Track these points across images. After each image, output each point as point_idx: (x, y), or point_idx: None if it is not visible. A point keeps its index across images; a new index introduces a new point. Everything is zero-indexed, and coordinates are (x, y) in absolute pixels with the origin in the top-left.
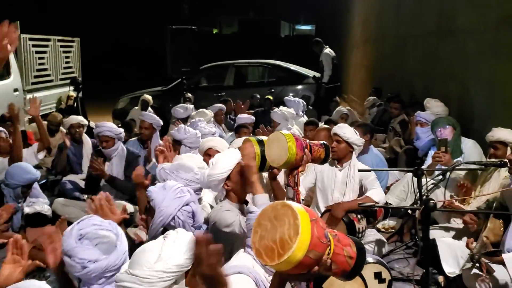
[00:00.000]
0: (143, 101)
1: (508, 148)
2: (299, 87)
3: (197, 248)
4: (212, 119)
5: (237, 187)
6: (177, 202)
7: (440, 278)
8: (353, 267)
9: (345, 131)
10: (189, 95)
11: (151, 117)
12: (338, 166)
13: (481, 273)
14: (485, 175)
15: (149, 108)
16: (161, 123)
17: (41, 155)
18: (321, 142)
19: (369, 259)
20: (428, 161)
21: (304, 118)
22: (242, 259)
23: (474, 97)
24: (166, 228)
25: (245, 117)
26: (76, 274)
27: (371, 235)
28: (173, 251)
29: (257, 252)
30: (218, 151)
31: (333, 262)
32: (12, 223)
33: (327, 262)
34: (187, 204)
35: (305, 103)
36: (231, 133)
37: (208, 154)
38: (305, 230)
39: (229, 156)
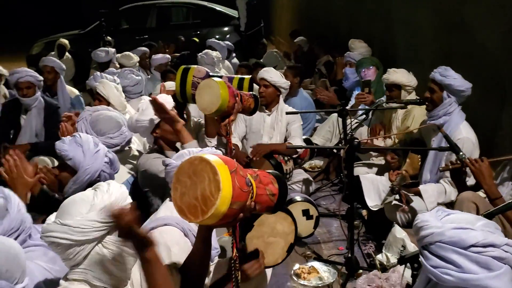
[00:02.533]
0: (60, 46)
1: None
2: (225, 28)
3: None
4: (137, 64)
5: (166, 134)
6: (100, 156)
7: (364, 212)
8: (276, 202)
9: (272, 75)
10: (109, 38)
11: (52, 60)
12: (267, 111)
13: (401, 204)
14: (400, 114)
15: (67, 53)
16: (63, 66)
17: None
18: (251, 92)
19: (297, 197)
20: (352, 101)
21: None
22: (170, 209)
23: (397, 37)
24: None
25: (160, 57)
26: None
27: (298, 175)
28: (106, 200)
29: (180, 210)
30: None
31: (257, 203)
32: None
33: (251, 206)
34: (106, 155)
35: (232, 46)
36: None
37: None
38: (226, 184)
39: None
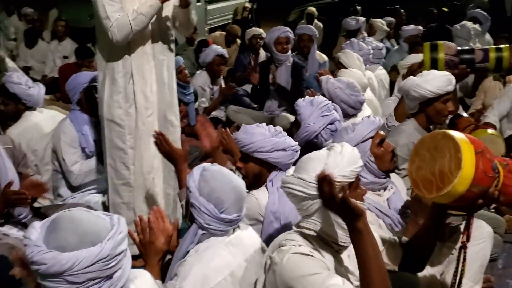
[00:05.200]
0: (308, 14)
1: None
2: None
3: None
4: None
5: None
6: (323, 120)
7: None
8: None
9: None
10: (359, 7)
11: (309, 28)
12: None
13: None
14: None
15: (316, 21)
16: (317, 33)
17: None
18: None
19: None
20: None
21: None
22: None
23: None
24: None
25: (411, 29)
26: None
27: None
28: (338, 161)
29: (414, 183)
30: None
31: (502, 194)
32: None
33: (494, 194)
34: (332, 123)
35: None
36: None
37: None
38: (468, 163)
39: None
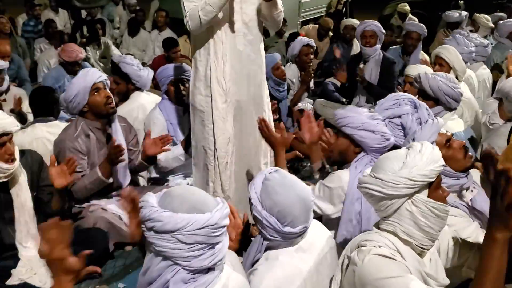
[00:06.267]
0: (400, 13)
1: None
2: None
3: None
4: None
5: None
6: (387, 113)
7: None
8: None
9: None
10: (461, 1)
11: (413, 24)
12: None
13: None
14: None
15: (410, 16)
16: (425, 31)
17: None
18: None
19: None
20: None
21: None
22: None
23: None
24: None
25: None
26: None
27: None
28: (418, 160)
29: None
30: None
31: None
32: None
33: None
34: (398, 116)
35: None
36: None
37: None
38: None
39: None
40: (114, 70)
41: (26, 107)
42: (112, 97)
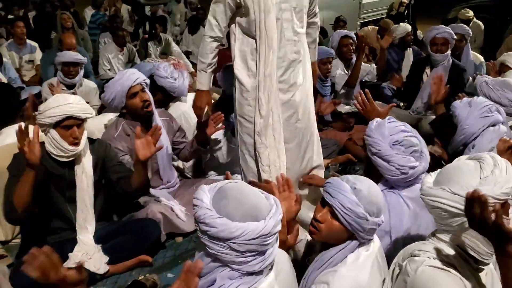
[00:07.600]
0: (461, 20)
1: None
2: None
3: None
4: None
5: None
6: (482, 122)
7: None
8: None
9: None
10: None
11: (461, 27)
12: None
13: None
14: None
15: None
16: (470, 33)
17: None
18: None
19: None
20: None
21: None
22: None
23: None
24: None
25: None
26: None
27: None
28: (498, 177)
29: None
30: None
31: None
32: None
33: None
34: (493, 125)
35: None
36: None
37: None
38: None
39: None
40: (151, 81)
41: (96, 100)
42: (150, 99)
